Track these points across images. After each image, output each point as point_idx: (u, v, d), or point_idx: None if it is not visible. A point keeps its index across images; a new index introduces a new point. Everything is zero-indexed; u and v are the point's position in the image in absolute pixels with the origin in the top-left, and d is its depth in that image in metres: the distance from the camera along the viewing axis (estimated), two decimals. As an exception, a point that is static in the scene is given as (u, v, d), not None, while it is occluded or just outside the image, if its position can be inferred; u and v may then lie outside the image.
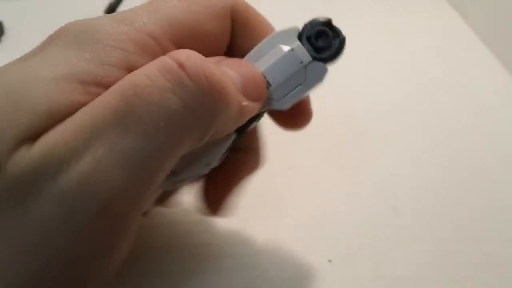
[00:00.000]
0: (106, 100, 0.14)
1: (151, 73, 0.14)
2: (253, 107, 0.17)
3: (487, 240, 0.24)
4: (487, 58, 0.41)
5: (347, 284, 0.22)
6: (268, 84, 0.17)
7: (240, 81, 0.16)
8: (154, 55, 0.15)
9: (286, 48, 0.17)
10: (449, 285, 0.22)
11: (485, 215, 0.26)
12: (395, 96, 0.36)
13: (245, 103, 0.16)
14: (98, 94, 0.14)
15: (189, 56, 0.14)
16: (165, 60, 0.14)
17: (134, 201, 0.14)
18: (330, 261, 0.23)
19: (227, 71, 0.16)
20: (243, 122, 0.17)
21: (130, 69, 0.14)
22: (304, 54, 0.17)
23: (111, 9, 0.42)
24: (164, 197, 0.22)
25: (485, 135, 0.32)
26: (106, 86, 0.14)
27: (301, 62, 0.17)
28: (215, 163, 0.18)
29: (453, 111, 0.34)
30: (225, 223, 0.23)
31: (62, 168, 0.13)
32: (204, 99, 0.14)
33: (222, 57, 0.17)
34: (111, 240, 0.14)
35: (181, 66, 0.14)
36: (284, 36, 0.18)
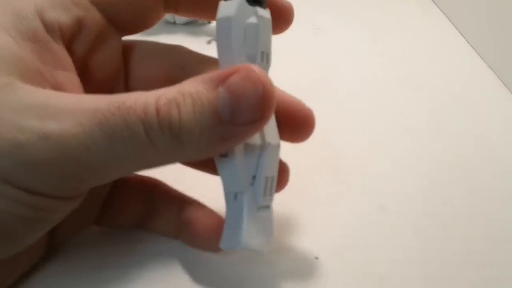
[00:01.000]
0: (97, 99, 0.16)
1: (137, 100, 0.16)
2: (245, 130, 0.16)
3: (474, 238, 0.24)
4: (474, 60, 0.42)
5: (333, 281, 0.22)
6: None
7: (228, 109, 0.16)
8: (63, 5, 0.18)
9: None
10: (435, 283, 0.22)
11: (471, 214, 0.26)
12: (383, 97, 0.36)
13: (226, 135, 0.16)
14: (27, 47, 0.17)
15: (166, 103, 0.16)
16: (150, 99, 0.16)
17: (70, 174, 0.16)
18: (316, 258, 0.23)
19: (220, 94, 0.16)
20: (230, 147, 0.17)
21: (41, 17, 0.17)
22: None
23: None
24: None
25: (472, 135, 0.32)
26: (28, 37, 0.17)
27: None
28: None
29: (440, 112, 0.35)
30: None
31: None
32: (164, 141, 0.16)
33: (235, 69, 0.16)
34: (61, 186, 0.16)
35: (157, 109, 0.15)
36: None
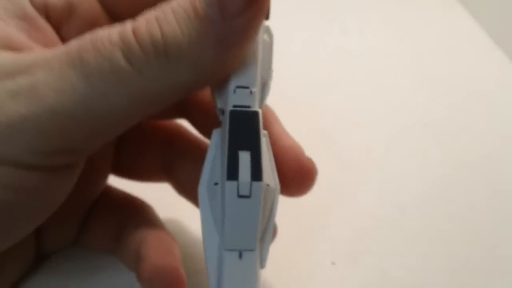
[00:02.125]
0: (70, 42, 0.15)
1: (112, 29, 0.14)
2: (242, 24, 0.14)
3: (499, 243, 0.23)
4: (496, 55, 0.41)
5: (350, 288, 0.21)
6: None
7: (215, 3, 0.14)
8: None
9: None
10: (458, 290, 0.21)
11: (499, 217, 0.25)
12: (402, 94, 0.35)
13: (221, 35, 0.14)
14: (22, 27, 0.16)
15: (143, 22, 0.14)
16: (127, 25, 0.14)
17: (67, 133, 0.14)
18: (333, 263, 0.22)
19: None
20: (234, 55, 0.15)
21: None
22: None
23: None
24: None
25: (494, 134, 0.31)
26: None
27: None
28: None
29: (461, 110, 0.34)
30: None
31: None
32: (150, 63, 0.14)
33: None
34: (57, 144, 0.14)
35: (134, 31, 0.14)
36: None
